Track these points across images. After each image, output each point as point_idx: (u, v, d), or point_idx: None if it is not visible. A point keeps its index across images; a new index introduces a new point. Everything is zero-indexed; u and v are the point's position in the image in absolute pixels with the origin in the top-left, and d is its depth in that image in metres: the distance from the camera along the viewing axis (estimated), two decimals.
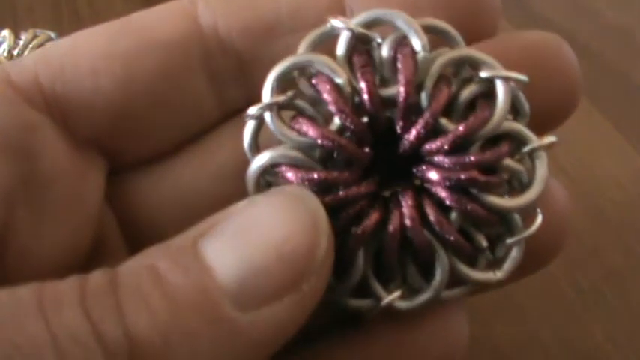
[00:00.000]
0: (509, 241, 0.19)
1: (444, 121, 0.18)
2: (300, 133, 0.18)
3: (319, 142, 0.18)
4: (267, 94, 0.19)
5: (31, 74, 0.19)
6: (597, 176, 0.35)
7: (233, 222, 0.16)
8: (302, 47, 0.19)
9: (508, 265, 0.19)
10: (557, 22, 0.45)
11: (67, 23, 0.44)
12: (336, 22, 0.19)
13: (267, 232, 0.15)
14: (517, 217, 0.19)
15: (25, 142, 0.18)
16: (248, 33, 0.20)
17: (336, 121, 0.18)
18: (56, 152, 0.19)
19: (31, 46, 0.36)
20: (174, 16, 0.20)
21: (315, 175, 0.18)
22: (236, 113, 0.21)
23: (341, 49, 0.19)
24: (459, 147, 0.18)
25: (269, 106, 0.19)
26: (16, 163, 0.18)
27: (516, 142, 0.19)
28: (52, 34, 0.37)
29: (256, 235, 0.15)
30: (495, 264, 0.20)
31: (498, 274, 0.19)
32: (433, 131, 0.18)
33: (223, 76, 0.20)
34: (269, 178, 0.19)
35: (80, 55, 0.19)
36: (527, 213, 0.19)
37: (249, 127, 0.19)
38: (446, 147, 0.18)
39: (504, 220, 0.19)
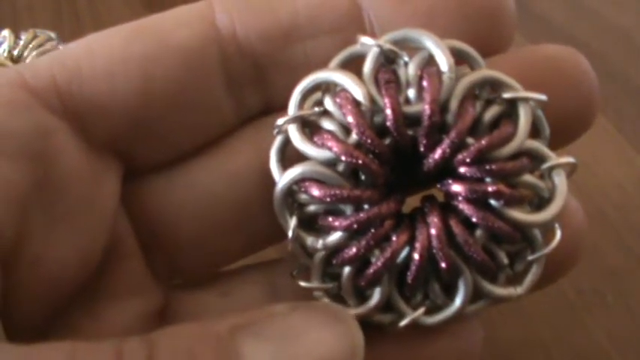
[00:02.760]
0: (530, 257, 0.19)
1: (470, 141, 0.18)
2: (323, 147, 0.18)
3: (343, 158, 0.18)
4: (292, 108, 0.19)
5: (47, 77, 0.19)
6: (597, 176, 0.35)
7: (274, 325, 0.16)
8: (332, 64, 0.19)
9: (529, 280, 0.20)
10: (557, 23, 0.45)
11: (67, 23, 0.44)
12: (365, 40, 0.19)
13: (309, 346, 0.15)
14: (538, 233, 0.19)
15: (41, 147, 0.18)
16: (265, 37, 0.20)
17: (356, 137, 0.18)
18: (72, 156, 0.19)
19: (31, 46, 0.36)
20: (191, 19, 0.20)
21: (339, 192, 0.18)
22: (254, 118, 0.21)
23: (367, 65, 0.19)
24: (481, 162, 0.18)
25: (294, 119, 0.19)
26: (31, 167, 0.17)
27: (536, 159, 0.19)
28: (52, 34, 0.37)
29: (297, 347, 0.15)
30: (514, 279, 0.20)
31: (519, 290, 0.20)
32: (458, 151, 0.18)
33: (240, 80, 0.20)
34: (295, 192, 0.19)
35: (96, 58, 0.19)
36: (547, 229, 0.19)
37: (277, 142, 0.19)
38: (468, 159, 0.18)
39: (525, 237, 0.19)
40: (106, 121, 0.19)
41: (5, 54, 0.35)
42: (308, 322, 0.16)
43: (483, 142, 0.18)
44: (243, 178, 0.20)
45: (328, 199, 0.18)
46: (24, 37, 0.36)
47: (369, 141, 0.18)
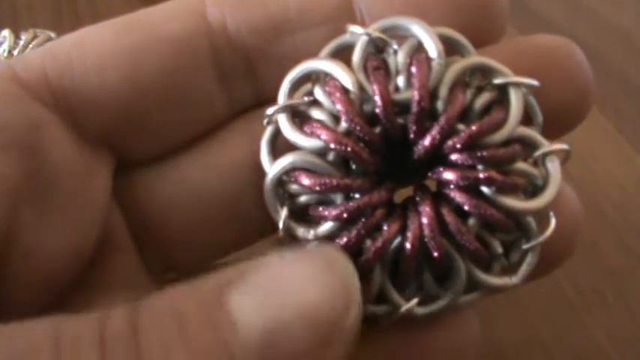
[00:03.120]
0: (525, 246, 0.19)
1: (461, 127, 0.18)
2: (313, 136, 0.18)
3: (332, 146, 0.18)
4: (281, 97, 0.19)
5: (37, 70, 0.19)
6: (597, 176, 0.35)
7: (263, 276, 0.15)
8: (321, 54, 0.19)
9: (524, 269, 0.19)
10: (557, 22, 0.45)
11: (67, 23, 0.44)
12: (354, 29, 0.19)
13: (297, 294, 0.15)
14: (532, 222, 0.19)
15: (32, 139, 0.18)
16: (256, 30, 0.20)
17: (345, 125, 0.18)
18: (63, 149, 0.19)
19: (31, 46, 0.36)
20: (181, 13, 0.20)
21: (329, 181, 0.18)
22: (245, 111, 0.21)
23: (357, 54, 0.19)
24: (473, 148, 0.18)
25: (283, 109, 0.19)
26: (22, 160, 0.17)
27: (528, 147, 0.19)
28: (52, 34, 0.37)
29: (286, 296, 0.15)
30: (510, 269, 0.20)
31: (514, 280, 0.19)
32: (448, 137, 0.18)
33: (232, 73, 0.20)
34: (286, 182, 0.19)
35: (87, 51, 0.19)
36: (541, 217, 0.19)
37: (267, 132, 0.19)
38: (458, 145, 0.18)
39: (519, 225, 0.19)
40: (97, 114, 0.19)
41: (5, 54, 0.35)
42: (298, 269, 0.15)
43: (474, 127, 0.18)
44: (235, 171, 0.20)
45: (318, 188, 0.18)
46: (24, 37, 0.36)
47: (358, 128, 0.18)
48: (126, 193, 0.20)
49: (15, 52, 0.36)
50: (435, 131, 0.18)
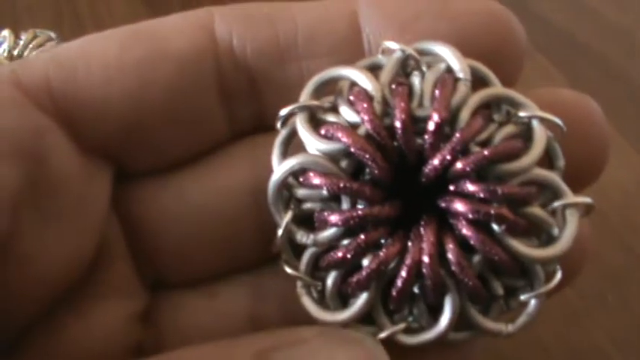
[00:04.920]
0: (523, 296, 0.18)
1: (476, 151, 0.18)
2: (330, 139, 0.18)
3: (352, 149, 0.18)
4: (303, 97, 0.19)
5: (41, 78, 0.19)
6: None
7: (300, 351, 0.15)
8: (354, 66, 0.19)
9: (522, 320, 0.19)
10: (557, 22, 0.45)
11: (67, 23, 0.44)
12: (389, 44, 0.19)
13: None
14: (540, 272, 0.18)
15: (33, 146, 0.18)
16: (262, 53, 0.20)
17: (365, 131, 0.18)
18: (64, 157, 0.18)
19: (31, 46, 0.36)
20: (189, 28, 0.20)
21: (342, 183, 0.18)
22: (246, 133, 0.21)
23: (387, 68, 0.19)
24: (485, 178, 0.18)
25: (301, 108, 0.19)
26: (23, 166, 0.17)
27: (549, 193, 0.18)
28: (52, 34, 0.37)
29: None
30: (508, 314, 0.19)
31: (510, 328, 0.19)
32: (458, 159, 0.17)
33: (235, 94, 0.20)
34: (292, 186, 0.19)
35: (92, 62, 0.19)
36: (548, 268, 0.18)
37: (282, 134, 0.19)
38: (468, 169, 0.17)
39: (525, 272, 0.18)
40: (99, 125, 0.19)
41: (5, 54, 0.35)
42: (334, 350, 0.15)
43: (486, 152, 0.17)
44: (234, 193, 0.20)
45: (327, 188, 0.18)
46: (24, 37, 0.36)
47: (379, 134, 0.17)
48: (124, 204, 0.20)
49: (15, 52, 0.36)
50: (445, 150, 0.17)
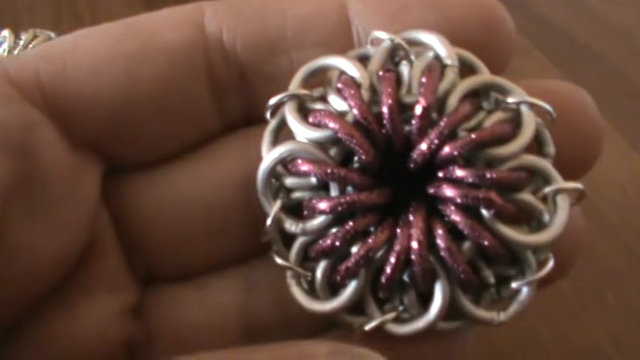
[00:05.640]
0: (515, 283, 0.18)
1: (463, 136, 0.17)
2: (318, 126, 0.18)
3: (340, 135, 0.17)
4: (292, 86, 0.19)
5: (30, 71, 0.19)
6: (597, 176, 0.35)
7: None
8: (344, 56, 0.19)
9: (514, 308, 0.18)
10: (557, 22, 0.45)
11: (67, 23, 0.44)
12: (379, 34, 0.19)
13: None
14: (532, 259, 0.18)
15: (23, 140, 0.18)
16: (251, 45, 0.20)
17: (353, 118, 0.18)
18: (53, 150, 0.18)
19: (31, 46, 0.36)
20: (179, 22, 0.20)
21: (329, 169, 0.18)
22: (237, 126, 0.21)
23: (375, 58, 0.19)
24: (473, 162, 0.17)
25: (290, 97, 0.19)
26: (12, 160, 0.17)
27: (540, 179, 0.18)
28: (52, 34, 0.37)
29: None
30: (500, 303, 0.18)
31: (502, 317, 0.18)
32: (445, 144, 0.17)
33: (225, 87, 0.20)
34: (281, 175, 0.19)
35: (82, 56, 0.19)
36: (540, 254, 0.18)
37: (272, 123, 0.19)
38: (455, 153, 0.17)
39: (517, 260, 0.18)
40: (89, 119, 0.19)
41: (5, 54, 0.35)
42: None
43: (473, 135, 0.17)
44: (224, 185, 0.20)
45: (317, 175, 0.18)
46: (24, 37, 0.36)
47: (367, 120, 0.17)
48: (115, 197, 0.20)
49: (15, 52, 0.36)
50: (433, 135, 0.17)
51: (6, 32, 0.37)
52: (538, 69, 0.41)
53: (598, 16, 0.45)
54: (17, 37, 0.36)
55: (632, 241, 0.32)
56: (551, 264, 0.18)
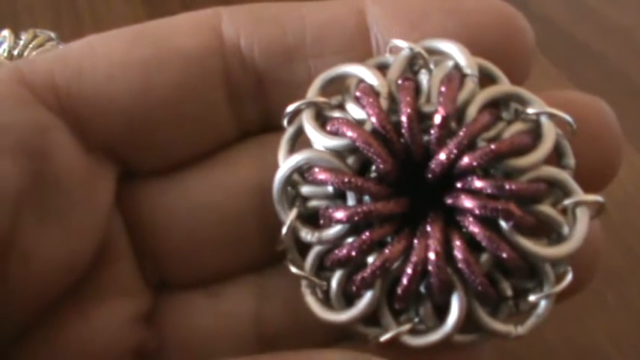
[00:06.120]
0: (533, 297, 0.18)
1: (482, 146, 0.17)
2: (336, 134, 0.18)
3: (358, 144, 0.17)
4: (310, 94, 0.19)
5: (46, 75, 0.18)
6: None
7: None
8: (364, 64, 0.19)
9: (532, 321, 0.18)
10: (557, 22, 0.45)
11: (67, 23, 0.44)
12: (398, 42, 0.19)
13: None
14: (550, 272, 0.18)
15: (37, 143, 0.18)
16: (269, 52, 0.20)
17: (371, 127, 0.18)
18: (67, 154, 0.18)
19: (31, 46, 0.36)
20: (196, 27, 0.20)
21: (346, 178, 0.17)
22: (253, 133, 0.21)
23: (394, 66, 0.18)
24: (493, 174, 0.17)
25: (308, 104, 0.18)
26: (26, 163, 0.17)
27: (560, 192, 0.18)
28: (52, 34, 0.37)
29: None
30: (518, 316, 0.18)
31: (520, 330, 0.18)
32: (464, 154, 0.17)
33: (242, 94, 0.20)
34: (297, 183, 0.19)
35: (98, 60, 0.19)
36: (559, 268, 0.18)
37: (289, 131, 0.19)
38: (474, 163, 0.17)
39: (535, 273, 0.18)
40: (104, 123, 0.19)
41: (5, 54, 0.35)
42: None
43: (493, 146, 0.17)
44: (240, 193, 0.20)
45: (334, 184, 0.18)
46: (24, 37, 0.36)
47: (385, 129, 0.17)
48: (129, 203, 0.20)
49: (15, 52, 0.36)
50: (451, 145, 0.17)
51: (6, 32, 0.36)
52: (538, 69, 0.41)
53: (598, 16, 0.45)
54: (17, 37, 0.36)
55: (632, 241, 0.32)
56: (569, 277, 0.18)
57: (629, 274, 0.31)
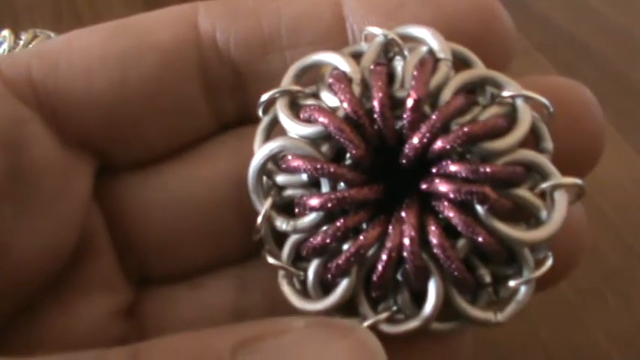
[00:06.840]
0: (513, 282, 0.18)
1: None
2: (309, 121, 0.18)
3: (330, 129, 0.17)
4: (284, 82, 0.19)
5: (23, 69, 0.19)
6: (597, 176, 0.35)
7: (283, 344, 0.14)
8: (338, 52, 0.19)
9: (512, 308, 0.18)
10: (557, 22, 0.45)
11: (67, 23, 0.44)
12: (372, 29, 0.19)
13: None
14: (530, 258, 0.18)
15: (13, 136, 0.18)
16: (246, 44, 0.20)
17: (344, 114, 0.18)
18: (44, 147, 0.18)
19: (31, 46, 0.36)
20: (172, 21, 0.20)
21: (321, 166, 0.17)
22: (231, 126, 0.21)
23: (368, 53, 0.18)
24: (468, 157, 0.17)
25: (282, 93, 0.18)
26: (2, 156, 0.17)
27: (537, 175, 0.18)
28: (52, 34, 0.37)
29: None
30: (498, 304, 0.18)
31: (499, 317, 0.18)
32: (438, 138, 0.17)
33: (218, 86, 0.20)
34: (272, 172, 0.19)
35: (75, 54, 0.19)
36: (539, 253, 0.18)
37: (264, 121, 0.19)
38: (448, 147, 0.17)
39: (514, 258, 0.18)
40: (81, 117, 0.19)
41: (5, 54, 0.35)
42: (322, 347, 0.15)
43: (466, 128, 0.17)
44: (218, 185, 0.20)
45: (308, 172, 0.17)
46: (24, 37, 0.36)
47: (358, 114, 0.17)
48: (108, 197, 0.20)
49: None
50: (424, 128, 0.17)
51: (6, 32, 0.36)
52: (538, 69, 0.41)
53: (598, 16, 0.45)
54: (17, 37, 0.36)
55: (632, 241, 0.32)
56: (550, 262, 0.18)
57: (629, 274, 0.31)
